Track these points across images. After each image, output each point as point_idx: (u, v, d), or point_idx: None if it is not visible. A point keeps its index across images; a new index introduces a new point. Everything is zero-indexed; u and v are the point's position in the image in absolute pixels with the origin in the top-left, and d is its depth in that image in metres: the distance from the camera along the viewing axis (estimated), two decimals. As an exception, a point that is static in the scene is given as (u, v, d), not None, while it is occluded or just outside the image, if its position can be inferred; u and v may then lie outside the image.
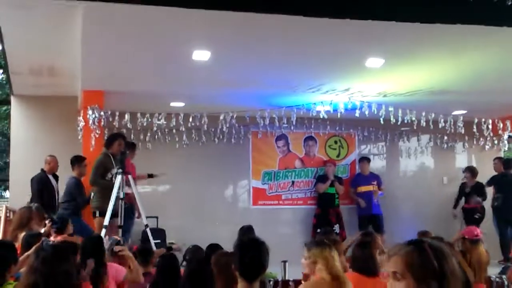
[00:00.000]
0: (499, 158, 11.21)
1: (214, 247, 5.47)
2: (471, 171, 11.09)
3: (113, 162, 7.76)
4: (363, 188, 11.04)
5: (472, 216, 10.50)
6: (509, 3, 4.14)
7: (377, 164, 11.94)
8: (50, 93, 9.88)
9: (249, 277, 3.50)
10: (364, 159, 11.29)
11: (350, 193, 11.26)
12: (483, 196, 10.79)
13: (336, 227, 10.49)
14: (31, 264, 3.53)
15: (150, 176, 9.54)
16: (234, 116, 9.60)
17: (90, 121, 8.43)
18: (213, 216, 10.76)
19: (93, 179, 7.85)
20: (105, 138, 8.41)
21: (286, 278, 7.43)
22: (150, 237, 7.73)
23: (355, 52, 7.17)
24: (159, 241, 8.61)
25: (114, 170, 7.63)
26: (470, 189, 10.92)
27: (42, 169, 8.89)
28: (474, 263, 5.43)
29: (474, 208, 10.67)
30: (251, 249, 3.54)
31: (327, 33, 6.39)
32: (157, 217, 9.98)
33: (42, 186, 8.76)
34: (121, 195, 7.58)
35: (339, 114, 9.64)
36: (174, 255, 4.92)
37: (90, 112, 8.43)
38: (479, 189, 10.83)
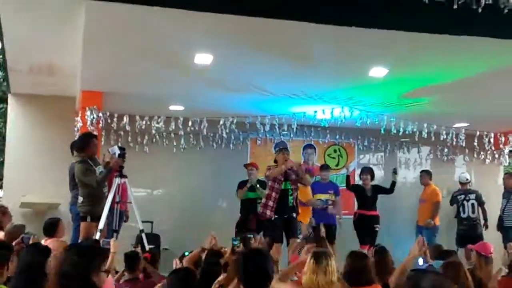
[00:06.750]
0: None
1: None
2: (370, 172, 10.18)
3: (92, 164, 7.26)
4: (318, 196, 10.21)
5: (373, 228, 9.67)
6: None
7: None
8: (49, 92, 9.79)
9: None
10: (323, 167, 10.63)
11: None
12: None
13: (260, 234, 9.11)
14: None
15: None
16: (234, 122, 9.51)
17: (88, 122, 8.32)
18: (208, 223, 10.62)
19: (93, 180, 7.15)
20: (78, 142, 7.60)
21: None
22: (145, 242, 7.63)
23: (359, 60, 7.08)
24: (153, 246, 8.47)
25: (99, 170, 7.24)
26: (371, 192, 9.98)
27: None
28: (484, 282, 5.26)
29: (375, 217, 9.83)
30: (254, 259, 3.44)
31: (331, 40, 6.30)
32: (152, 222, 9.85)
33: None
34: (117, 199, 7.50)
35: (339, 123, 9.55)
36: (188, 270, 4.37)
37: (88, 113, 8.34)
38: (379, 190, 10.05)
